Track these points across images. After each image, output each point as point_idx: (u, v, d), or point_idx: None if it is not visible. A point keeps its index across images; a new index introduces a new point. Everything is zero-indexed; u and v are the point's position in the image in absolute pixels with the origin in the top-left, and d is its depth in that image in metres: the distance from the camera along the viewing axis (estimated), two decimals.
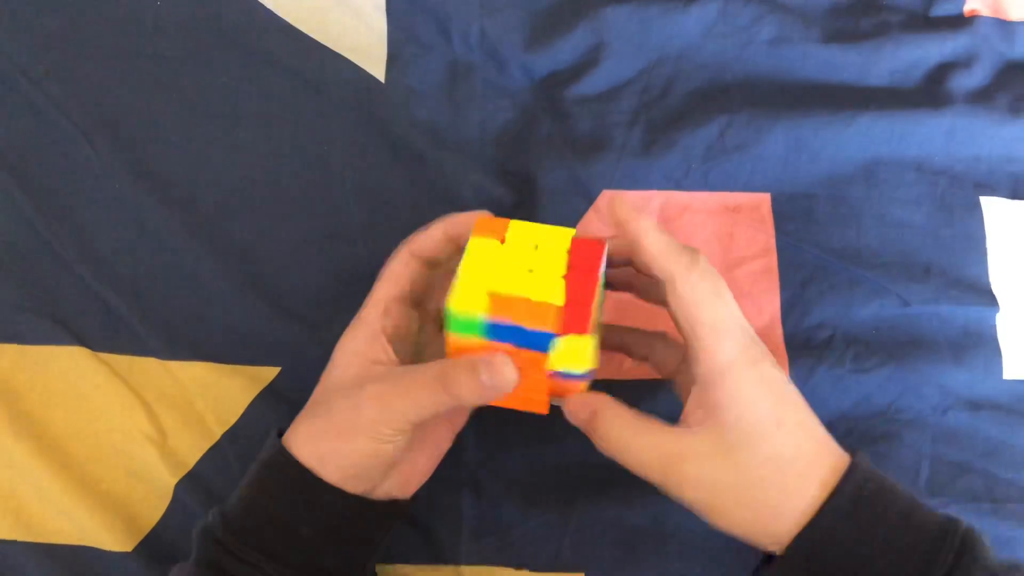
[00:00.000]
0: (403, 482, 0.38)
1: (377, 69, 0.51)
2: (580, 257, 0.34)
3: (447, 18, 0.52)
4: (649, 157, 0.49)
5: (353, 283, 0.47)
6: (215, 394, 0.45)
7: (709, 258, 0.46)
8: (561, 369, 0.34)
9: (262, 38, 0.51)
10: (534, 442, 0.44)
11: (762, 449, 0.33)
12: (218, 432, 0.44)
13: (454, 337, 0.34)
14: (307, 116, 0.50)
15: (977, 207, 0.49)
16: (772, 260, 0.48)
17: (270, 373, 0.46)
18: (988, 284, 0.48)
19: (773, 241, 0.48)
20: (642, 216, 0.34)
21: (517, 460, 0.44)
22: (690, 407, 0.35)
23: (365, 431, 0.34)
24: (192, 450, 0.44)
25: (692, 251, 0.34)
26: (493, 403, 0.36)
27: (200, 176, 0.49)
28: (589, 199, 0.48)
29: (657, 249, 0.34)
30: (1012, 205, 0.49)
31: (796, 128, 0.49)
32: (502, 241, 0.35)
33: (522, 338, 0.33)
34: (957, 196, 0.49)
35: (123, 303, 0.46)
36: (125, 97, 0.50)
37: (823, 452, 0.34)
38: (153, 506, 0.43)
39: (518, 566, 0.43)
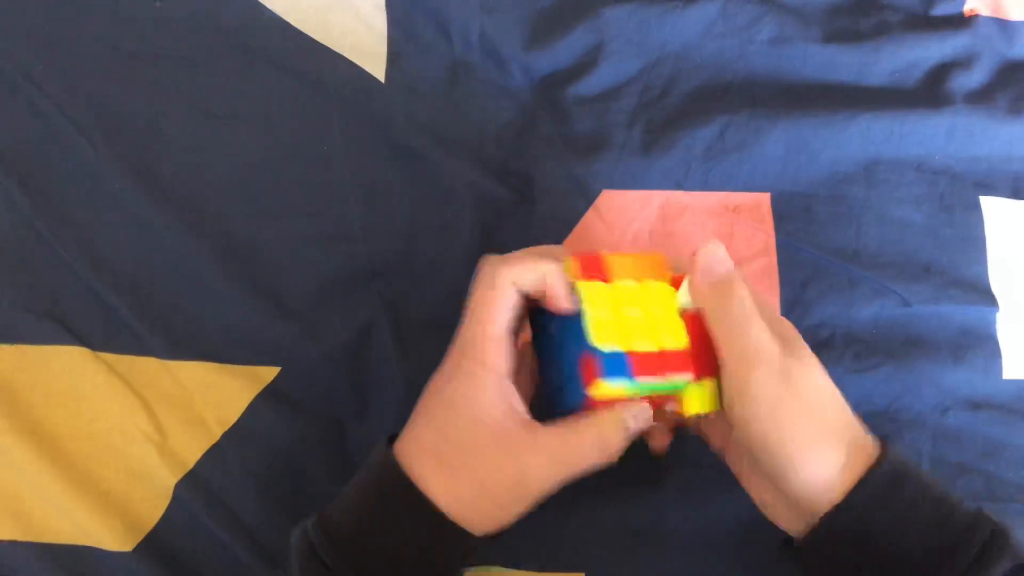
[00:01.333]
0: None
1: (377, 69, 0.51)
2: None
3: (447, 18, 0.52)
4: (649, 157, 0.49)
5: (353, 283, 0.47)
6: (215, 394, 0.45)
7: None
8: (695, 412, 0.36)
9: (262, 38, 0.51)
10: None
11: (810, 394, 0.34)
12: (218, 432, 0.44)
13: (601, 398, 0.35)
14: (307, 116, 0.50)
15: (977, 207, 0.49)
16: (772, 260, 0.48)
17: (270, 373, 0.46)
18: (988, 284, 0.48)
19: (773, 241, 0.48)
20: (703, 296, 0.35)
21: None
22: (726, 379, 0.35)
23: (530, 502, 0.35)
24: (192, 450, 0.44)
25: (725, 282, 0.35)
26: None
27: (200, 176, 0.49)
28: (589, 199, 0.48)
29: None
30: (1012, 205, 0.49)
31: (796, 128, 0.49)
32: (607, 281, 0.36)
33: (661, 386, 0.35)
34: (957, 196, 0.49)
35: (123, 303, 0.46)
36: (125, 97, 0.50)
37: (858, 427, 0.35)
38: (153, 506, 0.43)
39: (518, 566, 0.43)
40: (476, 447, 0.34)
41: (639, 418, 0.35)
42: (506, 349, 0.35)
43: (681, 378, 0.35)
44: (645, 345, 0.35)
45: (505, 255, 0.36)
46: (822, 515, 0.33)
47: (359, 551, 0.34)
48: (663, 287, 0.36)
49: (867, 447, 0.34)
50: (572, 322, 0.35)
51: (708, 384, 0.36)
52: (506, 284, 0.35)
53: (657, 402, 0.36)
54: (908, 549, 0.33)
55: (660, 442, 0.39)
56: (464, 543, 0.34)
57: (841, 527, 0.33)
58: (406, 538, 0.34)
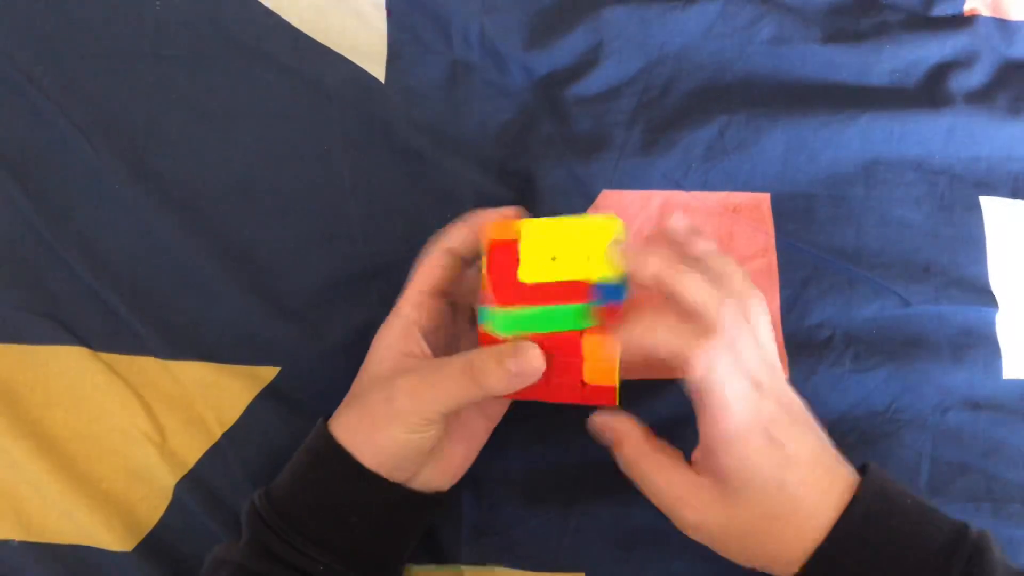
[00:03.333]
0: (440, 474, 0.39)
1: (377, 69, 0.51)
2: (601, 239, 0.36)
3: (447, 18, 0.52)
4: (649, 157, 0.49)
5: (353, 283, 0.47)
6: (215, 394, 0.45)
7: None
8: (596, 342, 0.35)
9: (262, 38, 0.51)
10: (534, 442, 0.44)
11: (762, 509, 0.34)
12: (218, 432, 0.44)
13: (483, 329, 0.35)
14: (307, 116, 0.50)
15: (977, 207, 0.49)
16: (772, 260, 0.48)
17: (270, 373, 0.46)
18: (988, 284, 0.48)
19: (773, 241, 0.48)
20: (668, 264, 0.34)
21: (517, 460, 0.44)
22: (699, 455, 0.36)
23: (397, 421, 0.35)
24: (192, 450, 0.44)
25: (717, 305, 0.33)
26: (530, 397, 0.36)
27: (200, 176, 0.49)
28: (589, 199, 0.48)
29: (666, 332, 0.34)
30: (1012, 205, 0.49)
31: (796, 128, 0.49)
32: (516, 238, 0.37)
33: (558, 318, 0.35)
34: (957, 196, 0.49)
35: (123, 303, 0.46)
36: (125, 97, 0.50)
37: (828, 495, 0.34)
38: (153, 506, 0.43)
39: (518, 566, 0.43)
40: (373, 379, 0.37)
41: (521, 350, 0.34)
42: (423, 304, 0.38)
43: (570, 309, 0.34)
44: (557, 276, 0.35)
45: None
46: (798, 567, 0.34)
47: (294, 505, 0.36)
48: (606, 225, 0.36)
49: (840, 486, 0.34)
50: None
51: (609, 343, 0.34)
52: (436, 248, 0.39)
53: (558, 354, 0.35)
54: None
55: (602, 429, 0.38)
56: (377, 485, 0.36)
57: (826, 569, 0.33)
58: (326, 485, 0.36)
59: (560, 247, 0.36)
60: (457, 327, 0.41)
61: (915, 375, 0.45)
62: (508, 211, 0.39)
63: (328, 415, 0.39)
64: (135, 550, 0.42)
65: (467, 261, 0.40)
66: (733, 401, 0.33)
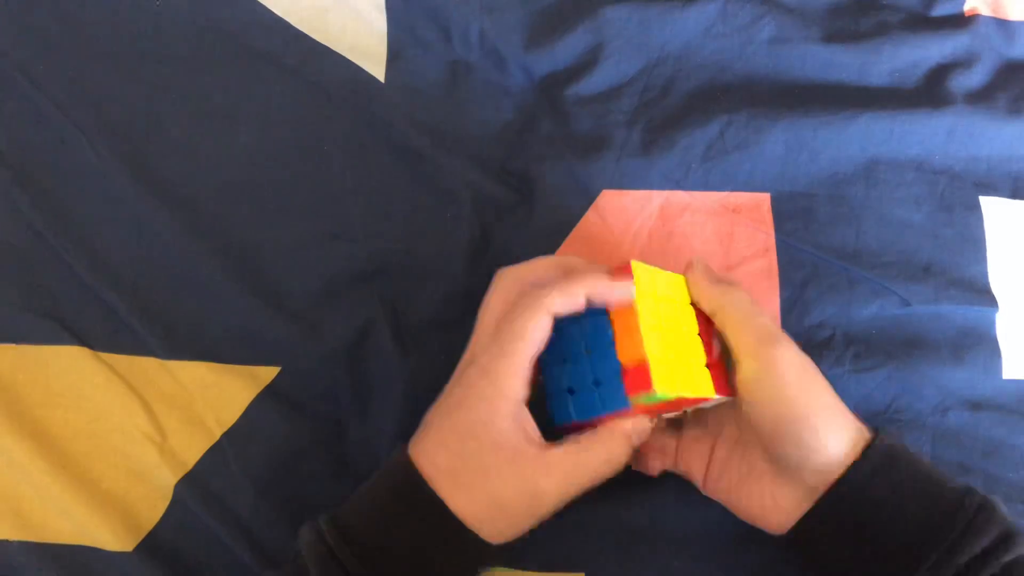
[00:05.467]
0: None
1: (377, 69, 0.51)
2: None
3: (447, 18, 0.52)
4: (649, 157, 0.49)
5: (353, 283, 0.47)
6: (215, 394, 0.45)
7: (709, 258, 0.47)
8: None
9: (262, 38, 0.51)
10: None
11: (807, 392, 0.36)
12: (218, 432, 0.44)
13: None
14: (307, 116, 0.50)
15: (977, 207, 0.49)
16: (772, 260, 0.48)
17: (270, 373, 0.46)
18: (988, 284, 0.48)
19: (773, 241, 0.48)
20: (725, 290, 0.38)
21: None
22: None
23: (541, 516, 0.36)
24: (192, 450, 0.44)
25: (725, 280, 0.38)
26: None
27: (200, 176, 0.49)
28: (589, 199, 0.48)
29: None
30: (1012, 205, 0.49)
31: (796, 128, 0.49)
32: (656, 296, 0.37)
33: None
34: (957, 196, 0.49)
35: (123, 303, 0.46)
36: (125, 97, 0.50)
37: (855, 425, 0.37)
38: (153, 506, 0.43)
39: (518, 566, 0.43)
40: (492, 469, 0.35)
41: (641, 432, 0.37)
42: (526, 377, 0.35)
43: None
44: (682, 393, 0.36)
45: (535, 277, 0.37)
46: (829, 485, 0.35)
47: (379, 555, 0.35)
48: (688, 314, 0.38)
49: (864, 428, 0.37)
50: (596, 328, 0.36)
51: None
52: (543, 315, 0.35)
53: (655, 411, 0.37)
54: (902, 519, 0.35)
55: (651, 465, 0.41)
56: (480, 550, 0.35)
57: (844, 498, 0.35)
58: (424, 543, 0.35)
59: (682, 322, 0.38)
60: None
61: (915, 375, 0.45)
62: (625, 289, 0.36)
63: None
64: (135, 550, 0.42)
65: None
66: (761, 320, 0.37)
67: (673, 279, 0.38)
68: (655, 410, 0.37)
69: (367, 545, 0.35)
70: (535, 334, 0.35)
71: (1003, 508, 0.35)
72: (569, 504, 0.36)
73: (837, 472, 0.35)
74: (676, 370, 0.35)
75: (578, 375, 0.37)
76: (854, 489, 0.35)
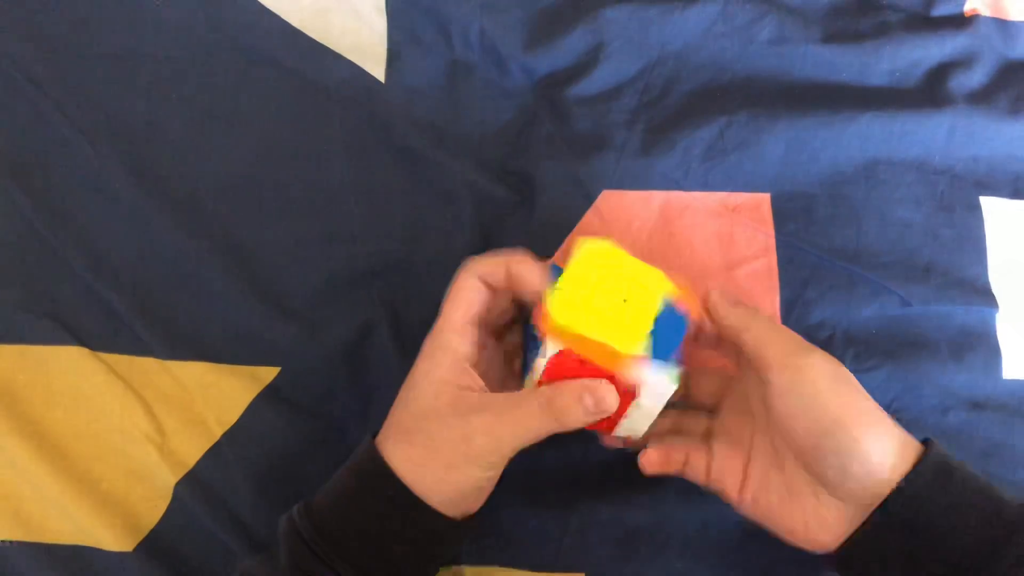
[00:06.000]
0: (475, 499, 0.39)
1: (377, 69, 0.51)
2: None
3: (447, 18, 0.52)
4: (649, 157, 0.49)
5: (353, 283, 0.47)
6: (215, 394, 0.45)
7: (709, 258, 0.47)
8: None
9: (262, 38, 0.51)
10: (534, 443, 0.44)
11: (844, 399, 0.35)
12: (218, 432, 0.44)
13: (551, 362, 0.36)
14: (307, 116, 0.50)
15: (977, 207, 0.49)
16: (772, 260, 0.48)
17: (270, 373, 0.46)
18: (988, 284, 0.48)
19: (773, 241, 0.48)
20: (749, 315, 0.38)
21: (517, 460, 0.44)
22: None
23: (476, 461, 0.35)
24: (192, 450, 0.44)
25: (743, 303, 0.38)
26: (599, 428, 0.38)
27: (200, 176, 0.49)
28: (589, 199, 0.48)
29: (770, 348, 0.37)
30: (1012, 205, 0.49)
31: (796, 128, 0.49)
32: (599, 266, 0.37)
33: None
34: (957, 196, 0.49)
35: (123, 303, 0.46)
36: (125, 97, 0.50)
37: (902, 435, 0.36)
38: (153, 506, 0.43)
39: (518, 566, 0.43)
40: (432, 412, 0.36)
41: (599, 390, 0.35)
42: (467, 338, 0.37)
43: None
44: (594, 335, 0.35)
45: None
46: (880, 502, 0.34)
47: (340, 533, 0.36)
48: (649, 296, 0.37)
49: (908, 437, 0.36)
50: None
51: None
52: (469, 277, 0.38)
53: (621, 385, 0.36)
54: (960, 538, 0.33)
55: (653, 462, 0.40)
56: (435, 521, 0.36)
57: (898, 514, 0.34)
58: (380, 517, 0.36)
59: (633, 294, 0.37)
60: (491, 354, 0.41)
61: (915, 375, 0.45)
62: (538, 268, 0.38)
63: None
64: (135, 550, 0.42)
65: (498, 291, 0.39)
66: (789, 334, 0.37)
67: (641, 268, 0.38)
68: (588, 370, 0.36)
69: (329, 522, 0.36)
70: (464, 293, 0.38)
71: None
72: (509, 456, 0.36)
73: (887, 487, 0.34)
74: (584, 312, 0.35)
75: (529, 339, 0.39)
76: (908, 505, 0.34)
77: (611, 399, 0.35)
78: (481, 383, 0.37)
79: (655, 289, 0.37)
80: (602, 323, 0.35)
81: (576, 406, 0.35)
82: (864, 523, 0.35)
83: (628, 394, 0.36)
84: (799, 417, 0.35)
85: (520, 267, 0.37)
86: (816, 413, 0.35)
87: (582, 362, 0.36)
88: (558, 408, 0.35)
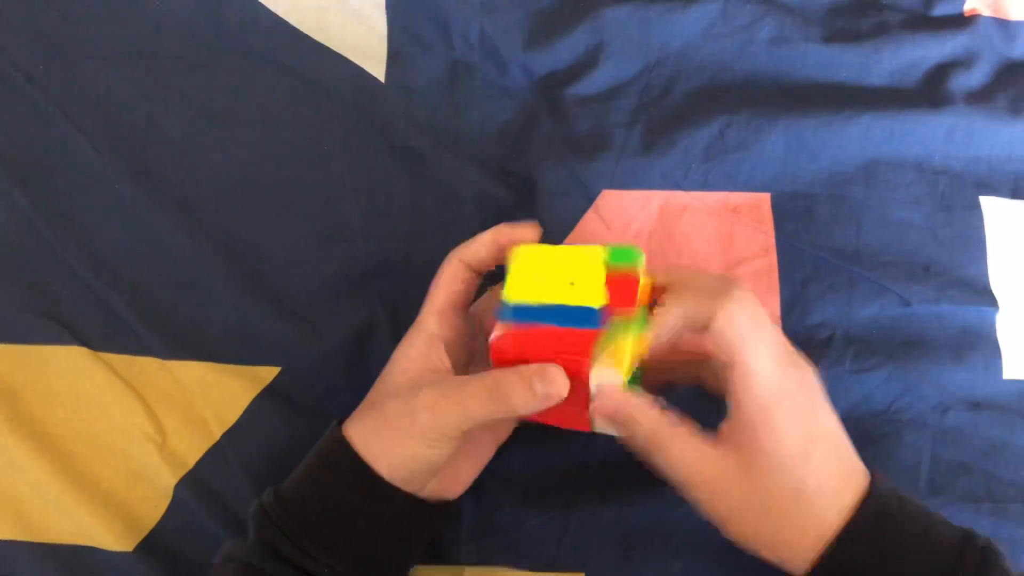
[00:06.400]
0: (447, 486, 0.40)
1: (377, 69, 0.51)
2: (618, 273, 0.36)
3: (447, 18, 0.52)
4: (649, 157, 0.49)
5: (353, 283, 0.47)
6: (215, 394, 0.45)
7: (709, 258, 0.47)
8: (604, 368, 0.34)
9: (262, 38, 0.51)
10: (534, 442, 0.44)
11: (788, 482, 0.34)
12: (218, 432, 0.44)
13: (497, 344, 0.35)
14: (307, 116, 0.50)
15: (977, 207, 0.49)
16: (772, 260, 0.48)
17: (270, 373, 0.46)
18: (988, 284, 0.48)
19: (773, 241, 0.48)
20: (672, 269, 0.37)
21: (517, 460, 0.44)
22: (726, 427, 0.35)
23: (417, 436, 0.35)
24: (192, 450, 0.44)
25: (727, 282, 0.35)
26: (539, 419, 0.38)
27: (200, 176, 0.49)
28: (589, 199, 0.48)
29: (685, 303, 0.35)
30: (1012, 205, 0.49)
31: (796, 128, 0.49)
32: (539, 264, 0.37)
33: (567, 318, 0.35)
34: (957, 196, 0.49)
35: (123, 303, 0.46)
36: (125, 97, 0.50)
37: (847, 482, 0.34)
38: (153, 506, 0.43)
39: (518, 566, 0.43)
40: (393, 390, 0.37)
41: (547, 373, 0.34)
42: (445, 318, 0.38)
43: (588, 307, 0.35)
44: (555, 298, 0.35)
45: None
46: (818, 553, 0.33)
47: (304, 508, 0.36)
48: (594, 252, 0.37)
49: (856, 477, 0.35)
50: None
51: (626, 326, 0.34)
52: (455, 262, 0.39)
53: (573, 367, 0.35)
54: None
55: (608, 404, 0.36)
56: (391, 496, 0.36)
57: (842, 560, 0.33)
58: (339, 492, 0.36)
59: (581, 272, 0.36)
60: (475, 344, 0.41)
61: (915, 375, 0.45)
62: (527, 228, 0.39)
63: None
64: (135, 550, 0.42)
65: (482, 274, 0.40)
66: (758, 362, 0.34)
67: (580, 251, 0.37)
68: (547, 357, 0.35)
69: (294, 500, 0.36)
70: (445, 277, 0.39)
71: (1004, 557, 0.33)
72: (452, 436, 0.35)
73: (813, 556, 0.33)
74: (537, 283, 0.36)
75: None
76: (838, 567, 0.33)
77: (560, 382, 0.34)
78: (448, 365, 0.37)
79: (598, 269, 0.36)
80: (550, 289, 0.35)
81: (523, 389, 0.34)
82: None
83: (583, 381, 0.35)
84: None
85: (505, 231, 0.38)
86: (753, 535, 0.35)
87: (531, 345, 0.35)
88: (504, 390, 0.34)
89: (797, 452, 0.34)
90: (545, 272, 0.36)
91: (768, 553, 0.35)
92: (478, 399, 0.34)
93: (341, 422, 0.38)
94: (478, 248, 0.39)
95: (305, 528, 0.36)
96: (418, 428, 0.35)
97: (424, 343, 0.38)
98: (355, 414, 0.38)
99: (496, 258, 0.39)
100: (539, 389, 0.34)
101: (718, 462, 0.34)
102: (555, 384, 0.34)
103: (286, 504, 0.36)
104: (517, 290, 0.36)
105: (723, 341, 0.34)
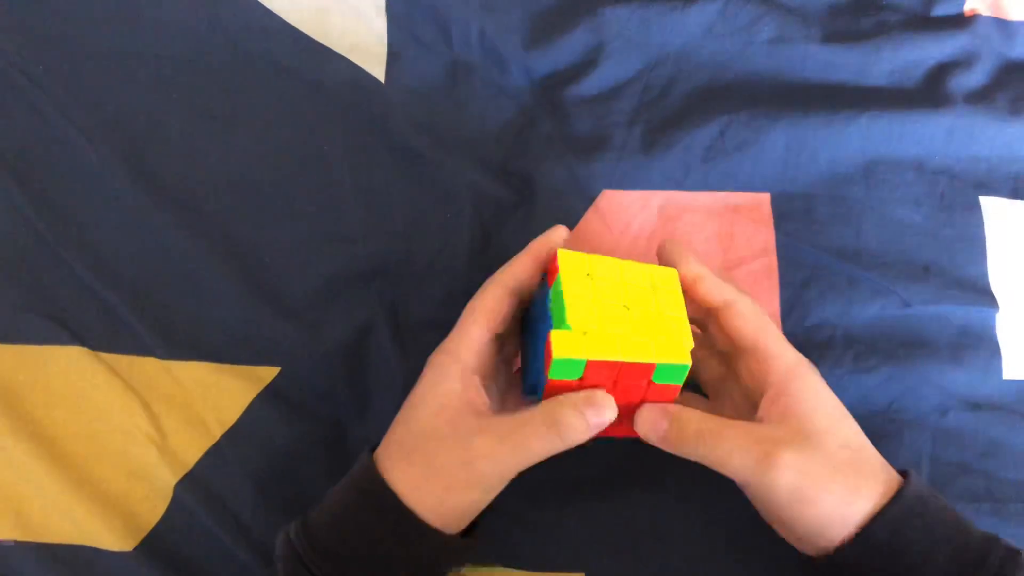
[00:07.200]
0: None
1: (377, 69, 0.51)
2: (663, 291, 0.37)
3: (447, 18, 0.52)
4: (649, 157, 0.49)
5: (353, 283, 0.47)
6: (215, 394, 0.45)
7: (709, 258, 0.47)
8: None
9: (262, 38, 0.51)
10: None
11: (838, 436, 0.35)
12: (218, 432, 0.44)
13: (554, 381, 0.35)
14: (307, 116, 0.50)
15: (977, 207, 0.49)
16: (772, 260, 0.48)
17: (270, 373, 0.46)
18: (988, 284, 0.48)
19: (773, 241, 0.48)
20: (690, 256, 0.38)
21: None
22: (765, 408, 0.36)
23: (476, 485, 0.35)
24: (192, 450, 0.44)
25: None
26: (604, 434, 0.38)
27: (200, 176, 0.49)
28: (589, 199, 0.48)
29: (713, 282, 0.38)
30: (1012, 205, 0.49)
31: (796, 128, 0.49)
32: (587, 276, 0.36)
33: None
34: (957, 196, 0.49)
35: (123, 303, 0.46)
36: (125, 97, 0.50)
37: (885, 468, 0.36)
38: (153, 506, 0.43)
39: (518, 566, 0.43)
40: (432, 432, 0.35)
41: (598, 402, 0.34)
42: (480, 348, 0.37)
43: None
44: (608, 354, 0.34)
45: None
46: (844, 539, 0.34)
47: (338, 552, 0.35)
48: (644, 289, 0.37)
49: (889, 476, 0.36)
50: (545, 308, 0.36)
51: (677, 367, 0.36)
52: (498, 290, 0.37)
53: (624, 387, 0.36)
54: (931, 571, 0.34)
55: (650, 419, 0.37)
56: (435, 541, 0.35)
57: (869, 546, 0.34)
58: (379, 537, 0.35)
59: (630, 296, 0.36)
60: (497, 360, 0.40)
61: (915, 375, 0.45)
62: (557, 232, 0.39)
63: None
64: (135, 550, 0.42)
65: (524, 296, 0.39)
66: (782, 337, 0.38)
67: (639, 268, 0.37)
68: (601, 382, 0.35)
69: (327, 542, 0.35)
70: (486, 306, 0.37)
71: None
72: (511, 478, 0.35)
73: (864, 520, 0.34)
74: (587, 336, 0.34)
75: (534, 349, 0.38)
76: (877, 541, 0.34)
77: (611, 410, 0.35)
78: (487, 400, 0.36)
79: (644, 286, 0.37)
80: (607, 342, 0.34)
81: (579, 421, 0.34)
82: (834, 553, 0.35)
83: (634, 394, 0.36)
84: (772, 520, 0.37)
85: (539, 245, 0.38)
86: (787, 518, 0.35)
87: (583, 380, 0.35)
88: (563, 426, 0.34)
89: (837, 410, 0.37)
90: (598, 298, 0.35)
91: (827, 518, 0.34)
92: (538, 439, 0.34)
93: (372, 449, 0.37)
94: (518, 270, 0.38)
95: (339, 570, 0.35)
96: (477, 477, 0.34)
97: (460, 379, 0.36)
98: (392, 453, 0.36)
99: (537, 275, 0.38)
100: (593, 419, 0.34)
101: (779, 432, 0.35)
102: (605, 411, 0.35)
103: (321, 547, 0.35)
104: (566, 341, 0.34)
105: (749, 317, 0.37)
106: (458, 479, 0.34)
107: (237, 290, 0.46)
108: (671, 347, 0.35)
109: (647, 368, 0.35)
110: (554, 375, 0.34)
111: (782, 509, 0.35)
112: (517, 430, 0.34)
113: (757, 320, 0.38)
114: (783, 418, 0.36)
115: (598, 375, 0.35)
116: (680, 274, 0.38)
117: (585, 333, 0.34)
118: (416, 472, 0.35)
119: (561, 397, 0.35)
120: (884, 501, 0.34)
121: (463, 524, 0.36)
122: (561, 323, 0.34)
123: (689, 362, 0.35)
